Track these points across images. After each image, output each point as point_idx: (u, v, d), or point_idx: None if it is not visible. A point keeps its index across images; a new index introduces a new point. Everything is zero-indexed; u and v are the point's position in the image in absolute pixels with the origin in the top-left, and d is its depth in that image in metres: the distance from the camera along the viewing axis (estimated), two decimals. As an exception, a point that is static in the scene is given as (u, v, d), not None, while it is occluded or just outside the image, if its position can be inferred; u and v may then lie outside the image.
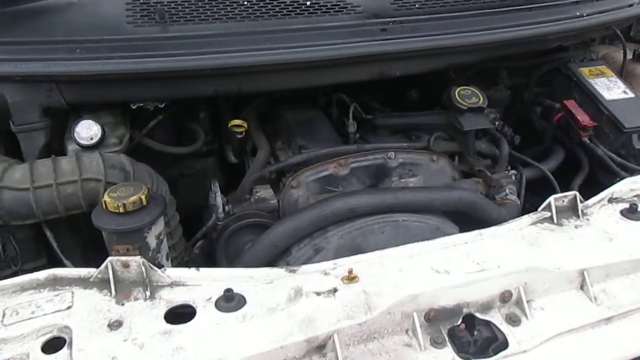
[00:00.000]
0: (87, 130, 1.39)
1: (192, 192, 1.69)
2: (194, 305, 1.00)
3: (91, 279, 1.04)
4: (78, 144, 1.39)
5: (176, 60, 1.32)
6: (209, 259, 1.52)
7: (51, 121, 1.41)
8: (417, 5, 1.53)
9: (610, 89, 1.84)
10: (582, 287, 1.12)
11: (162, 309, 0.99)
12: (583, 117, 1.76)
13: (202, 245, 1.52)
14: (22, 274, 1.04)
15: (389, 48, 1.45)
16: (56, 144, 1.44)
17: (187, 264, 1.44)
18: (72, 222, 1.39)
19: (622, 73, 1.99)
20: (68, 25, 1.32)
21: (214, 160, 1.86)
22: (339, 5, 1.46)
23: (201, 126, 1.75)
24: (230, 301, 1.00)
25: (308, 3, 1.43)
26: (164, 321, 0.97)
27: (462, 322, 1.04)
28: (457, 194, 1.48)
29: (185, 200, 1.55)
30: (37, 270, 1.04)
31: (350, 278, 1.05)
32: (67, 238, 1.40)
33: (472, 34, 1.52)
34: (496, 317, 1.06)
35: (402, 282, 1.05)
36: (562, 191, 1.64)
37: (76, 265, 1.29)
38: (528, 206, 1.72)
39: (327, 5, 1.44)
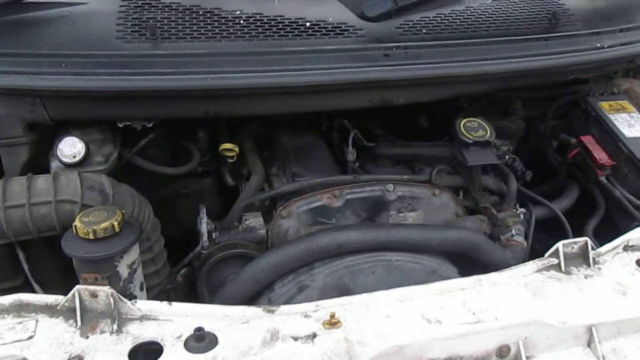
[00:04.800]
0: (70, 147, 1.34)
1: (188, 213, 1.63)
2: (162, 344, 0.96)
3: (58, 307, 1.01)
4: (60, 161, 1.35)
5: (164, 80, 1.27)
6: (192, 288, 1.45)
7: (38, 136, 1.36)
8: (424, 31, 1.46)
9: (632, 125, 1.76)
10: (589, 345, 1.06)
11: (128, 345, 0.96)
12: (600, 155, 1.68)
13: (185, 273, 1.45)
14: (-2, 294, 1.01)
15: (391, 75, 1.38)
16: (45, 160, 1.39)
17: (169, 292, 1.40)
18: (51, 244, 1.33)
19: (645, 109, 1.90)
20: (55, 39, 1.28)
21: (211, 181, 1.80)
22: (341, 27, 1.39)
23: (198, 146, 1.69)
24: (200, 341, 0.96)
25: (308, 24, 1.37)
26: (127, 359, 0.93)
27: (453, 378, 0.96)
28: (456, 233, 1.40)
29: (180, 221, 1.50)
30: (13, 291, 1.03)
31: (332, 323, 1.00)
32: (44, 260, 1.34)
33: (481, 62, 1.45)
34: (491, 374, 0.99)
35: (389, 330, 1.00)
36: (575, 232, 1.55)
37: (51, 289, 1.24)
38: (538, 246, 1.61)
39: (327, 27, 1.38)
